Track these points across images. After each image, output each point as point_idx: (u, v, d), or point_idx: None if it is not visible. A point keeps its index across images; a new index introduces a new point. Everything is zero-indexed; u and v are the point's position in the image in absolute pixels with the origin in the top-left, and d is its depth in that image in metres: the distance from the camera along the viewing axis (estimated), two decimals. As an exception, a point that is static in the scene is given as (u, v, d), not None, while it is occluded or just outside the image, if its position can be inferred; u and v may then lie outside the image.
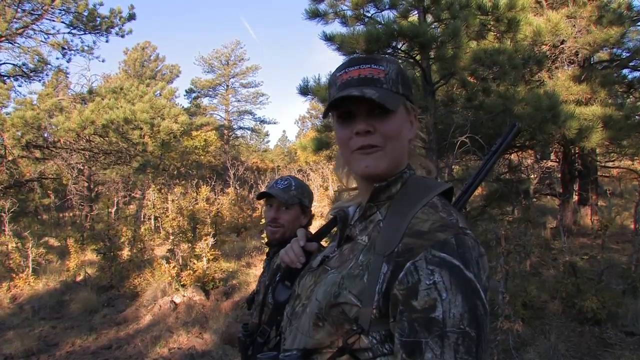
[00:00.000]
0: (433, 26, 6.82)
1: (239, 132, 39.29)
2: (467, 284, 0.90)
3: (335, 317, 1.02)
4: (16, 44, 14.64)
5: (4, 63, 15.39)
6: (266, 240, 2.46)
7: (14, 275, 9.88)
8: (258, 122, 39.03)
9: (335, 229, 1.28)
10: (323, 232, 1.39)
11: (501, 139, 1.27)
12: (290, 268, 1.31)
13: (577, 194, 12.75)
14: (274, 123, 59.34)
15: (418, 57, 6.74)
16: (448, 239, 0.93)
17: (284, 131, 77.42)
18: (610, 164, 15.07)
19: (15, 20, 13.50)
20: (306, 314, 1.11)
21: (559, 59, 10.24)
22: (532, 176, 12.45)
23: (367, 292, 0.98)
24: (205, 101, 37.41)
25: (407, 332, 0.91)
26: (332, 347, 1.04)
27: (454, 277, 0.90)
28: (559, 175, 12.74)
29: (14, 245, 10.91)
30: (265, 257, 2.53)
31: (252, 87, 37.89)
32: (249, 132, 40.55)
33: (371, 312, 0.96)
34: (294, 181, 2.39)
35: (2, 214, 12.75)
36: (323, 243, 1.43)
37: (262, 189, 18.50)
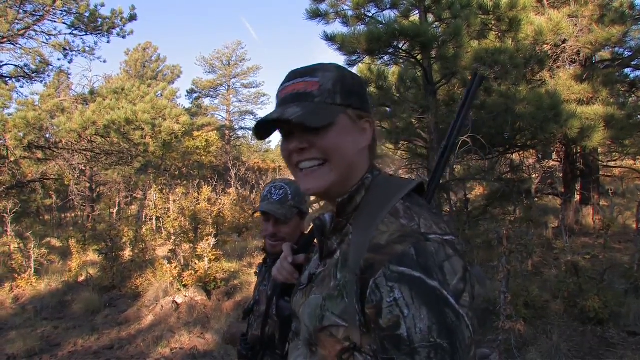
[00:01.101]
0: (434, 26, 6.83)
1: (240, 133, 39.31)
2: (431, 294, 0.87)
3: (324, 340, 1.01)
4: (18, 45, 14.66)
5: (5, 64, 15.41)
6: (264, 249, 2.39)
7: (17, 275, 9.89)
8: (259, 123, 39.01)
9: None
10: (307, 242, 1.37)
11: (466, 90, 1.25)
12: (286, 284, 1.31)
13: (579, 193, 12.72)
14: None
15: (419, 57, 6.74)
16: (406, 251, 0.89)
17: (285, 132, 77.37)
18: (612, 164, 15.04)
19: (16, 21, 13.52)
20: (300, 338, 1.10)
21: (560, 59, 10.22)
22: (533, 176, 12.43)
23: (350, 311, 0.96)
24: (206, 102, 37.51)
25: (380, 350, 0.90)
26: None
27: (415, 291, 0.86)
28: (561, 175, 12.73)
29: (17, 245, 10.93)
30: (262, 263, 2.46)
31: (254, 87, 37.97)
32: (250, 132, 40.56)
33: (359, 328, 0.95)
34: (289, 188, 2.25)
35: (5, 214, 12.77)
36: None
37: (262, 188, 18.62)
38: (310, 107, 1.04)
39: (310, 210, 2.37)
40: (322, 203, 1.27)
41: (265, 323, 2.18)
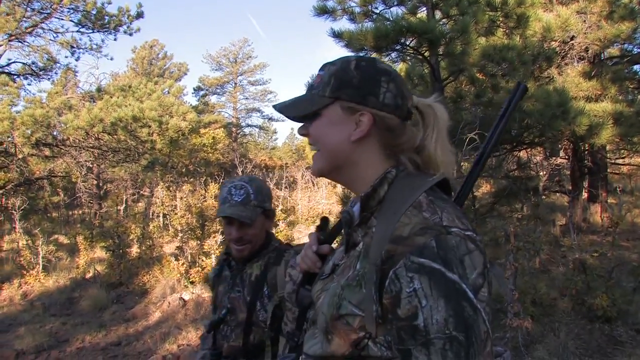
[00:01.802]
0: (442, 22, 6.79)
1: (247, 130, 39.30)
2: (450, 286, 0.88)
3: (340, 328, 1.02)
4: (26, 43, 14.76)
5: (14, 62, 15.51)
6: (227, 253, 2.25)
7: (25, 272, 9.96)
8: (266, 120, 39.02)
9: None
10: (334, 233, 1.38)
11: (508, 99, 1.24)
12: (309, 272, 1.31)
13: (586, 191, 12.65)
14: (282, 121, 59.14)
15: (427, 54, 6.72)
16: (427, 243, 0.91)
17: (292, 129, 77.04)
18: (620, 161, 14.95)
19: (24, 19, 13.59)
20: (318, 326, 1.11)
21: (568, 55, 10.16)
22: (541, 173, 12.38)
23: (367, 302, 0.97)
24: (213, 99, 37.48)
25: (396, 340, 0.92)
26: (344, 356, 1.03)
27: (434, 282, 0.88)
28: (568, 173, 12.67)
29: (25, 242, 11.01)
30: (220, 269, 2.28)
31: (260, 84, 37.90)
32: (257, 129, 40.56)
33: (375, 319, 0.96)
34: (250, 186, 2.10)
35: (13, 211, 12.86)
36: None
37: (271, 186, 18.52)
38: (299, 99, 1.16)
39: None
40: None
41: (248, 331, 2.07)
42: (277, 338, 2.04)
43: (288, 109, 1.16)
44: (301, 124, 1.18)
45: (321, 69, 1.16)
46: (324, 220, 1.38)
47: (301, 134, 1.18)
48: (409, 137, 1.13)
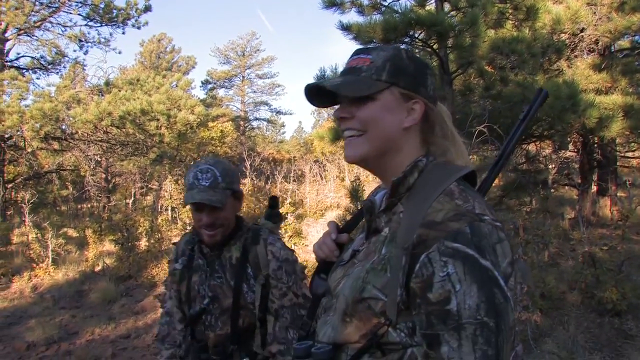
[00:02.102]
0: (450, 15, 6.75)
1: (255, 123, 39.43)
2: (483, 273, 0.89)
3: (361, 312, 1.02)
4: (34, 37, 14.83)
5: (22, 56, 15.59)
6: (200, 240, 2.14)
7: (35, 265, 10.02)
8: (274, 113, 39.16)
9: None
10: (353, 222, 1.38)
11: (529, 105, 1.24)
12: (325, 261, 1.31)
13: (596, 184, 12.58)
14: (290, 114, 59.53)
15: (435, 46, 6.68)
16: (462, 229, 0.92)
17: (300, 122, 77.73)
18: (630, 154, 14.83)
19: (33, 13, 13.63)
20: (335, 310, 1.11)
21: (578, 48, 10.08)
22: (550, 166, 12.32)
23: (391, 286, 0.97)
24: (221, 92, 37.60)
25: (424, 325, 0.92)
26: (361, 341, 1.03)
27: (468, 267, 0.89)
28: (577, 166, 12.60)
29: (34, 235, 11.07)
30: (192, 256, 2.17)
31: (268, 78, 37.97)
32: (265, 123, 40.68)
33: (397, 305, 0.96)
34: (216, 169, 2.00)
35: (22, 205, 12.93)
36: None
37: (279, 180, 18.53)
38: (351, 79, 1.11)
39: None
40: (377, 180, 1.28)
41: (236, 316, 2.03)
42: (265, 318, 2.04)
43: (344, 88, 1.10)
44: (337, 106, 1.16)
45: (365, 53, 1.14)
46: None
47: (340, 117, 1.14)
48: (438, 129, 1.16)
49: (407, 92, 1.11)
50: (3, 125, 11.55)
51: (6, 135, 12.71)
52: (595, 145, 11.52)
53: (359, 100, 1.09)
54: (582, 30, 9.58)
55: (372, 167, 1.17)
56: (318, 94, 1.19)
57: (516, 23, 7.36)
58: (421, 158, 1.12)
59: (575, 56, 10.28)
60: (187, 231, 2.17)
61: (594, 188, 12.46)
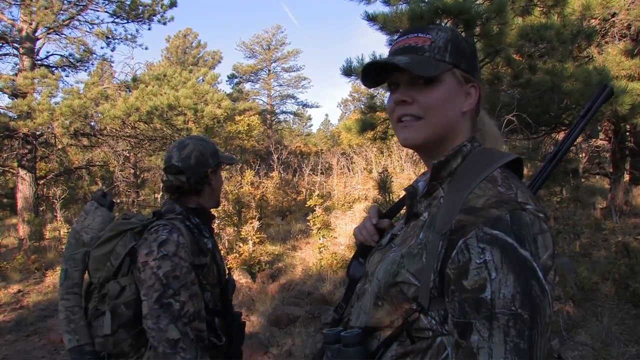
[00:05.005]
0: (477, 3, 6.65)
1: (281, 117, 39.56)
2: (521, 262, 0.85)
3: (394, 296, 1.01)
4: (63, 35, 15.06)
5: (52, 54, 15.86)
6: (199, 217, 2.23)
7: (67, 259, 10.22)
8: (300, 106, 39.22)
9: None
10: (396, 208, 1.38)
11: (590, 102, 1.21)
12: (364, 245, 1.30)
13: (628, 173, 12.32)
14: (317, 107, 59.52)
15: (463, 35, 6.60)
16: (502, 216, 0.88)
17: (326, 115, 77.53)
18: (663, 142, 14.51)
19: (61, 12, 13.85)
20: (368, 293, 1.10)
21: (609, 33, 9.86)
22: (581, 155, 12.10)
23: (425, 271, 0.95)
24: (247, 86, 37.76)
25: (457, 313, 0.89)
26: (392, 326, 1.03)
27: (505, 256, 0.85)
28: (609, 155, 12.35)
29: (66, 230, 11.30)
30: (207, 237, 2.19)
31: (294, 71, 38.00)
32: (291, 116, 40.82)
33: (430, 291, 0.94)
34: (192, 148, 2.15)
35: (54, 201, 13.20)
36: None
37: (306, 173, 18.52)
38: (418, 59, 1.05)
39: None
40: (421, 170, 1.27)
41: (225, 290, 2.13)
42: None
43: (418, 67, 1.03)
44: (396, 87, 1.10)
45: (423, 32, 1.10)
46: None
47: (400, 100, 1.08)
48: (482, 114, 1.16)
49: (467, 75, 1.09)
50: (34, 123, 11.77)
51: (37, 133, 12.95)
52: (628, 133, 11.29)
53: (424, 82, 1.05)
54: (613, 15, 9.36)
55: (429, 152, 1.12)
56: (374, 72, 1.13)
57: (544, 10, 7.21)
58: (466, 143, 1.10)
59: (606, 42, 10.06)
60: (166, 230, 1.95)
61: (627, 177, 12.21)
